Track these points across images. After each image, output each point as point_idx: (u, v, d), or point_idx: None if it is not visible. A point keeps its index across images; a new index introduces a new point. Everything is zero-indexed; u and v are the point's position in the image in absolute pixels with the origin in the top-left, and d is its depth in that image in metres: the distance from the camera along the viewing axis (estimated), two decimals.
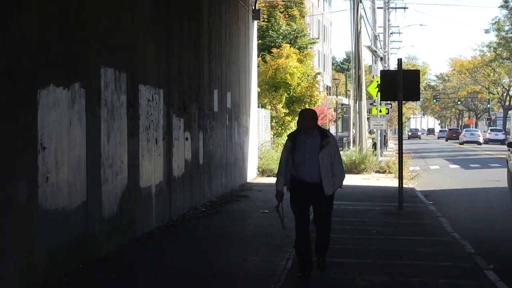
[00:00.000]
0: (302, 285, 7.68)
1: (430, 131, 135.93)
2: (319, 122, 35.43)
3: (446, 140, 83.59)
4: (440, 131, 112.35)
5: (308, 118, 7.65)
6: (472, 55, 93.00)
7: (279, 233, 8.31)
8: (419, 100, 19.43)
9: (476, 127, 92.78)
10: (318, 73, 39.01)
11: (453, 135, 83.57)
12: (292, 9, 40.50)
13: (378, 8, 40.60)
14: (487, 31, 65.47)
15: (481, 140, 68.48)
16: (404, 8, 55.28)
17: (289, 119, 30.65)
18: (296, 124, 7.95)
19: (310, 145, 7.55)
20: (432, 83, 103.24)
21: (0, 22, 6.71)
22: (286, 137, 7.99)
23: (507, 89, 77.52)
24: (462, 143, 68.02)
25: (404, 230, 11.97)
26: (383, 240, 10.97)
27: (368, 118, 32.25)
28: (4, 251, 6.76)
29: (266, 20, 36.47)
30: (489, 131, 73.89)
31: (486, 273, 8.56)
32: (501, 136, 66.86)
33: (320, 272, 7.82)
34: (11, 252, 6.89)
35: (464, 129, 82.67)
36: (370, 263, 9.06)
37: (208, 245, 10.44)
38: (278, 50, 32.24)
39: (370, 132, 34.58)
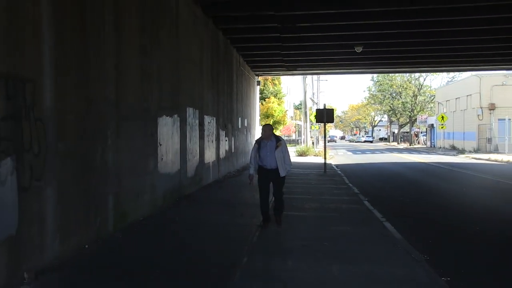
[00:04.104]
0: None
1: (336, 137, 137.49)
2: (287, 133, 34.51)
3: (340, 139, 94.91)
4: (340, 136, 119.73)
5: (267, 130, 6.35)
6: (358, 102, 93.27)
7: None
8: (333, 122, 19.39)
9: (359, 135, 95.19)
10: (287, 110, 38.93)
11: (342, 138, 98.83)
12: (275, 80, 40.45)
13: (314, 80, 40.45)
14: (364, 91, 66.00)
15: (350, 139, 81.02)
16: (326, 80, 55.07)
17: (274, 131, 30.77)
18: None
19: (270, 146, 6.23)
20: (340, 115, 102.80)
21: (147, 93, 6.79)
22: (255, 141, 6.49)
23: (373, 117, 78.30)
24: (346, 141, 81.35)
25: (327, 183, 11.98)
26: (316, 187, 10.99)
27: (310, 131, 32.22)
28: (144, 193, 6.82)
29: (263, 85, 36.37)
30: (365, 136, 77.13)
31: (364, 202, 8.63)
32: (370, 138, 73.58)
33: (276, 226, 6.30)
34: (147, 192, 6.95)
35: (346, 135, 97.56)
36: (311, 197, 9.10)
37: (235, 189, 10.45)
38: (268, 99, 32.44)
39: (311, 137, 34.46)
